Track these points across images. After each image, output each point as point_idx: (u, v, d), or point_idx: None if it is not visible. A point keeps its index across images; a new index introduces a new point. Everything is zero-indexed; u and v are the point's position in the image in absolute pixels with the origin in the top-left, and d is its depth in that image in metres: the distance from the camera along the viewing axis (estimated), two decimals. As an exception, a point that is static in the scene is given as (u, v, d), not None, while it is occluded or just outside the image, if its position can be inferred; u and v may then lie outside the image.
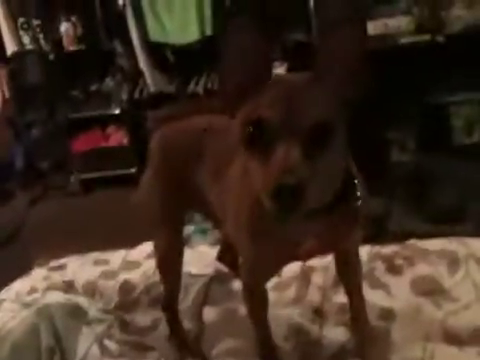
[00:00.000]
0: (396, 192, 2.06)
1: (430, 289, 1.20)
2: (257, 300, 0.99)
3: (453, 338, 1.07)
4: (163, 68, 3.47)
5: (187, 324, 1.20)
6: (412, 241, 1.35)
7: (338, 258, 1.06)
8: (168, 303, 1.15)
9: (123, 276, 1.38)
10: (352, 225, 0.90)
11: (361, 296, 1.07)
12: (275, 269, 1.00)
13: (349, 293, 1.07)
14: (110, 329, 1.17)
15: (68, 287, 1.39)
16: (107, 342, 1.14)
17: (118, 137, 3.82)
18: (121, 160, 3.76)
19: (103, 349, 1.10)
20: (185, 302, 1.25)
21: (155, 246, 1.14)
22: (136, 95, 3.60)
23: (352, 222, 0.88)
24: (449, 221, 1.63)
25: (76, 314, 1.17)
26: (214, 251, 1.41)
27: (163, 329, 1.18)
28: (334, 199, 0.80)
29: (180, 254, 1.12)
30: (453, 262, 1.24)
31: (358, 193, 0.85)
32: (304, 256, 0.95)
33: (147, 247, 1.52)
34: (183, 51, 3.37)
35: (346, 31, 0.74)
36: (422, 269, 1.24)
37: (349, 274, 1.07)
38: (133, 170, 3.78)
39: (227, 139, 0.93)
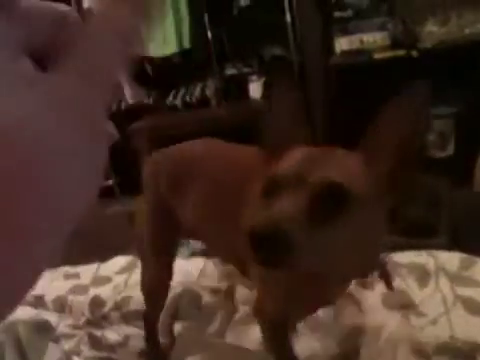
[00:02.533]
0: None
1: (400, 303, 1.21)
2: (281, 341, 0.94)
3: (420, 353, 1.08)
4: (141, 81, 3.46)
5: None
6: (382, 254, 1.36)
7: None
8: (149, 317, 1.13)
9: (94, 291, 1.37)
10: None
11: None
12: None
13: None
14: (79, 345, 1.15)
15: (37, 302, 1.37)
16: (76, 359, 1.13)
17: (95, 149, 3.80)
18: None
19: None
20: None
21: (143, 274, 1.09)
22: (113, 107, 3.59)
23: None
24: (421, 234, 1.65)
25: (42, 330, 1.15)
26: (187, 263, 1.40)
27: (133, 345, 1.17)
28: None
29: (168, 283, 1.07)
30: (423, 275, 1.25)
31: None
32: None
33: (119, 261, 1.51)
34: (161, 62, 3.38)
35: (406, 108, 0.70)
36: (394, 282, 1.25)
37: None
38: (110, 182, 3.75)
39: (230, 168, 0.93)
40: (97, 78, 0.28)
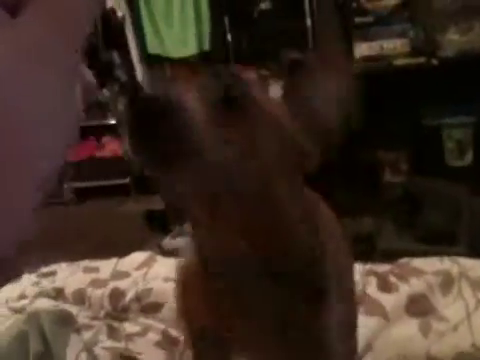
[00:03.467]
0: (387, 212, 2.07)
1: (422, 309, 1.20)
2: None
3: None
4: (160, 80, 3.49)
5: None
6: (405, 260, 1.36)
7: None
8: None
9: (113, 284, 1.37)
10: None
11: None
12: None
13: None
14: (98, 335, 1.16)
15: (58, 294, 1.37)
16: (97, 350, 1.13)
17: (113, 147, 3.83)
18: (115, 170, 3.77)
19: (92, 357, 1.08)
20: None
21: None
22: (132, 106, 3.62)
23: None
24: (440, 242, 1.64)
25: (65, 321, 1.15)
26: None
27: (152, 336, 1.17)
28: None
29: None
30: (446, 281, 1.24)
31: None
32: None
33: (137, 257, 1.52)
34: (181, 63, 3.40)
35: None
36: (416, 288, 1.24)
37: None
38: (127, 180, 3.78)
39: None
40: (66, 23, 0.28)
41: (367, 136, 2.92)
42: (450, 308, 1.18)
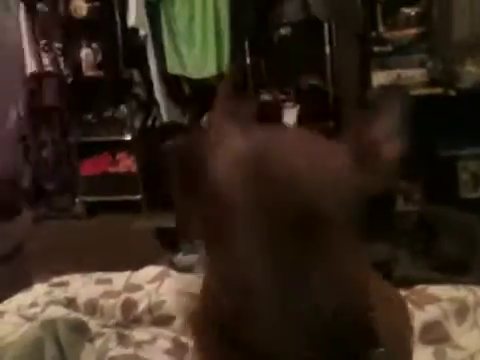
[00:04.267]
0: (402, 240, 2.06)
1: (438, 337, 1.18)
2: None
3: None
4: (178, 99, 3.53)
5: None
6: (421, 286, 1.34)
7: None
8: None
9: (125, 295, 1.37)
10: None
11: None
12: None
13: None
14: (107, 343, 1.15)
15: (69, 303, 1.37)
16: (106, 358, 1.13)
17: (127, 163, 3.86)
18: (128, 186, 3.79)
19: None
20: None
21: None
22: (149, 123, 3.66)
23: None
24: (454, 271, 1.62)
25: (80, 330, 1.15)
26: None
27: (162, 343, 1.17)
28: None
29: None
30: (462, 309, 1.23)
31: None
32: None
33: (150, 271, 1.51)
34: (199, 84, 3.44)
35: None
36: (432, 315, 1.22)
37: None
38: (139, 197, 3.80)
39: None
40: None
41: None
42: (466, 337, 1.16)
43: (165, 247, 2.79)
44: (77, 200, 4.02)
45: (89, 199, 3.95)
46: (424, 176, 3.16)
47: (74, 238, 3.34)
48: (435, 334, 1.18)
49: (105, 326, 1.24)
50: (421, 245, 1.91)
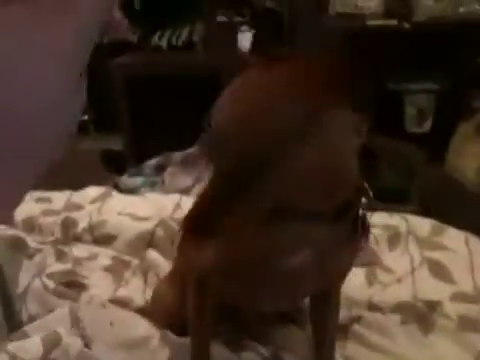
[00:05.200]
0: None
1: (369, 261, 1.24)
2: (202, 302, 0.82)
3: (375, 308, 1.11)
4: (128, 16, 3.35)
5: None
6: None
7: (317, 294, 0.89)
8: None
9: (65, 214, 1.35)
10: (355, 246, 0.77)
11: (333, 344, 0.93)
12: (245, 275, 0.77)
13: (319, 339, 0.92)
14: (45, 259, 1.14)
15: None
16: (45, 279, 1.12)
17: (72, 81, 3.69)
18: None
19: (44, 284, 1.08)
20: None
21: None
22: (96, 40, 3.47)
23: (355, 242, 0.76)
24: (393, 200, 1.67)
25: (18, 246, 1.14)
26: (164, 199, 1.39)
27: (101, 260, 1.17)
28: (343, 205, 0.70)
29: None
30: (394, 236, 1.28)
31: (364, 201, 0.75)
32: (290, 275, 0.74)
33: (92, 191, 1.49)
34: (151, 0, 3.27)
35: None
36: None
37: (325, 316, 0.91)
38: (85, 117, 3.67)
39: None
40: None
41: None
42: (396, 261, 1.22)
43: (110, 169, 2.74)
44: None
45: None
46: (371, 108, 3.19)
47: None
48: (366, 257, 1.24)
49: (43, 243, 1.23)
50: (362, 174, 1.95)
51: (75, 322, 0.91)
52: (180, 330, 0.95)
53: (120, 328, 0.96)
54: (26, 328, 0.92)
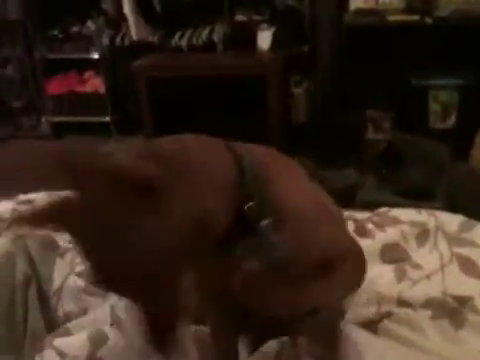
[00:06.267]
0: (370, 166, 2.10)
1: (398, 257, 1.23)
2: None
3: (405, 304, 1.11)
4: (148, 17, 3.38)
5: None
6: (384, 209, 1.38)
7: None
8: None
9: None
10: None
11: None
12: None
13: None
14: (75, 257, 1.16)
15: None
16: (75, 278, 1.14)
17: (95, 83, 3.73)
18: (96, 107, 3.69)
19: (75, 283, 1.09)
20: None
21: None
22: (117, 41, 3.51)
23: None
24: (419, 197, 1.67)
25: (50, 246, 1.15)
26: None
27: None
28: None
29: None
30: (423, 232, 1.27)
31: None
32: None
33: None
34: (171, 1, 3.29)
35: None
36: (392, 236, 1.27)
37: None
38: (107, 118, 3.71)
39: None
40: None
41: (354, 94, 2.92)
42: (425, 258, 1.21)
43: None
44: (43, 119, 3.90)
45: (56, 119, 3.84)
46: (395, 105, 3.17)
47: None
48: (395, 254, 1.23)
49: (72, 241, 1.24)
50: (388, 171, 1.95)
51: (116, 320, 0.92)
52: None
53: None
54: (69, 325, 0.93)
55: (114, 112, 3.67)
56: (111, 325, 0.91)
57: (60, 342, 0.86)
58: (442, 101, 3.11)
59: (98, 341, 0.86)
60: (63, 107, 3.79)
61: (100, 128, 3.67)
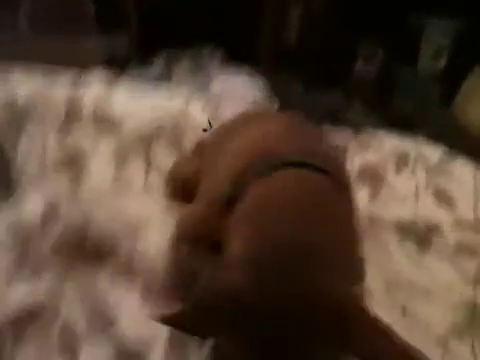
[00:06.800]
0: (357, 92, 2.06)
1: (374, 178, 1.22)
2: None
3: (376, 223, 1.11)
4: None
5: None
6: (368, 132, 1.36)
7: None
8: None
9: (70, 92, 1.30)
10: None
11: None
12: None
13: None
14: (47, 133, 1.12)
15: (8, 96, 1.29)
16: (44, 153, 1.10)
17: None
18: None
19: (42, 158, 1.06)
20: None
21: None
22: None
23: None
24: (404, 126, 1.64)
25: (20, 114, 1.10)
26: (174, 97, 1.36)
27: (103, 142, 1.15)
28: None
29: None
30: (403, 159, 1.27)
31: None
32: None
33: (98, 75, 1.44)
34: None
35: None
36: (372, 158, 1.26)
37: None
38: (90, 13, 3.52)
39: None
40: None
41: (348, 23, 2.82)
42: (401, 183, 1.21)
43: (114, 70, 2.66)
44: (21, 14, 3.67)
45: (34, 15, 3.60)
46: (387, 41, 3.09)
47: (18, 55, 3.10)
48: (372, 175, 1.23)
49: (46, 120, 1.19)
50: (376, 98, 1.93)
51: (75, 195, 0.90)
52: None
53: (121, 207, 0.95)
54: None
55: (96, 5, 3.46)
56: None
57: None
58: (435, 42, 3.05)
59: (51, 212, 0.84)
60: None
61: (81, 23, 3.47)
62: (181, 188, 0.99)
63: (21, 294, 0.78)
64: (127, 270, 0.85)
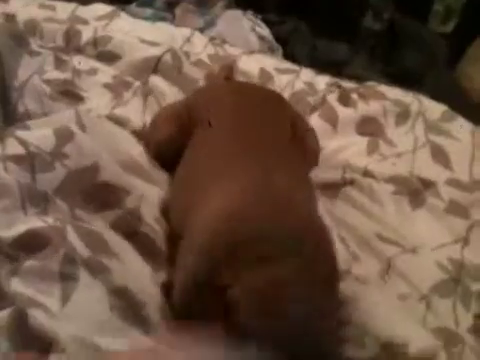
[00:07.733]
0: (363, 44, 2.01)
1: (373, 130, 1.21)
2: None
3: (371, 175, 1.11)
4: None
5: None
6: (371, 83, 1.34)
7: None
8: None
9: (70, 24, 1.26)
10: None
11: None
12: None
13: None
14: (45, 64, 1.09)
15: (8, 19, 1.25)
16: (42, 84, 1.07)
17: None
18: None
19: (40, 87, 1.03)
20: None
21: None
22: None
23: None
24: (408, 81, 1.61)
25: (19, 39, 1.07)
26: (175, 30, 1.32)
27: (102, 76, 1.13)
28: None
29: None
30: (403, 113, 1.25)
31: None
32: None
33: (100, 8, 1.40)
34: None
35: None
36: (373, 110, 1.24)
37: None
38: None
39: None
40: None
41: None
42: (399, 138, 1.20)
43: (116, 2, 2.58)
44: None
45: None
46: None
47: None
48: (371, 127, 1.21)
49: (43, 47, 1.16)
50: (381, 52, 1.89)
51: (80, 126, 0.88)
52: (169, 167, 0.97)
53: (117, 145, 0.94)
54: (29, 123, 0.88)
55: None
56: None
57: (23, 133, 0.81)
58: (447, 4, 2.98)
59: (64, 137, 0.82)
60: None
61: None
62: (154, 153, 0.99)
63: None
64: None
